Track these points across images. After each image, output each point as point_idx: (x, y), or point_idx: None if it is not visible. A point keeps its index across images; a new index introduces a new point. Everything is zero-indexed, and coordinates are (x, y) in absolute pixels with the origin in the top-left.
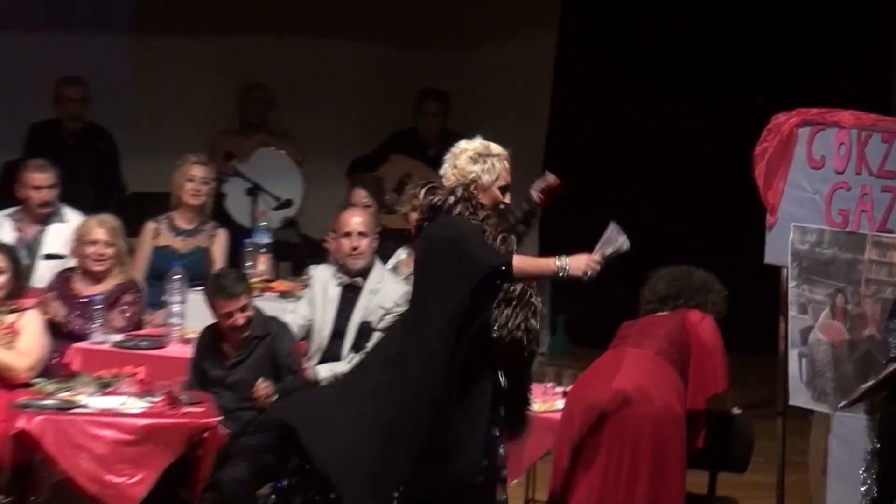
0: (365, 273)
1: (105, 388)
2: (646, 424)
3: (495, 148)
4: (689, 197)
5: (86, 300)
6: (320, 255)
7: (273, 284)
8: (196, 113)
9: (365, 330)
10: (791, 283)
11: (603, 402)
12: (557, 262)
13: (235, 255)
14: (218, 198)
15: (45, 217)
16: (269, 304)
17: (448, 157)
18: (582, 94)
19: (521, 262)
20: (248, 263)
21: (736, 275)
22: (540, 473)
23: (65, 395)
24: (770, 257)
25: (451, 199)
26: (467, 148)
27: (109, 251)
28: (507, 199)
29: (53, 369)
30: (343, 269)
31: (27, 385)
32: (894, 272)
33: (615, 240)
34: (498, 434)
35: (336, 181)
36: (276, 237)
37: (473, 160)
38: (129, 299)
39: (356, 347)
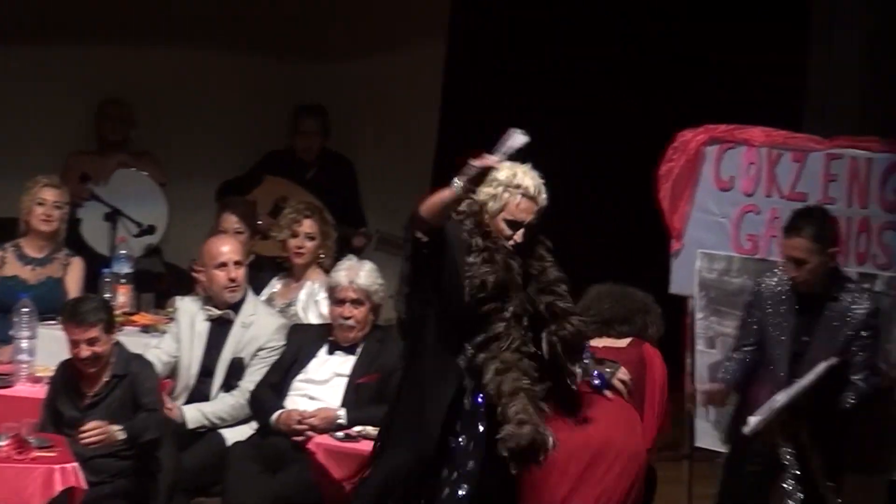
0: (236, 306)
1: None
2: (617, 475)
3: (521, 179)
4: (586, 220)
5: None
6: (187, 286)
7: (134, 317)
8: (48, 131)
9: (236, 366)
10: (698, 315)
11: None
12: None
13: (93, 286)
14: (73, 223)
15: None
16: (130, 339)
17: (537, 175)
18: (472, 109)
19: (423, 201)
20: (106, 295)
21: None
22: None
23: None
24: (675, 287)
25: (465, 212)
26: (501, 170)
27: None
28: (514, 236)
29: None
30: (212, 301)
31: None
32: None
33: (510, 137)
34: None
35: (204, 205)
36: (137, 266)
37: (489, 183)
38: None
39: (226, 386)
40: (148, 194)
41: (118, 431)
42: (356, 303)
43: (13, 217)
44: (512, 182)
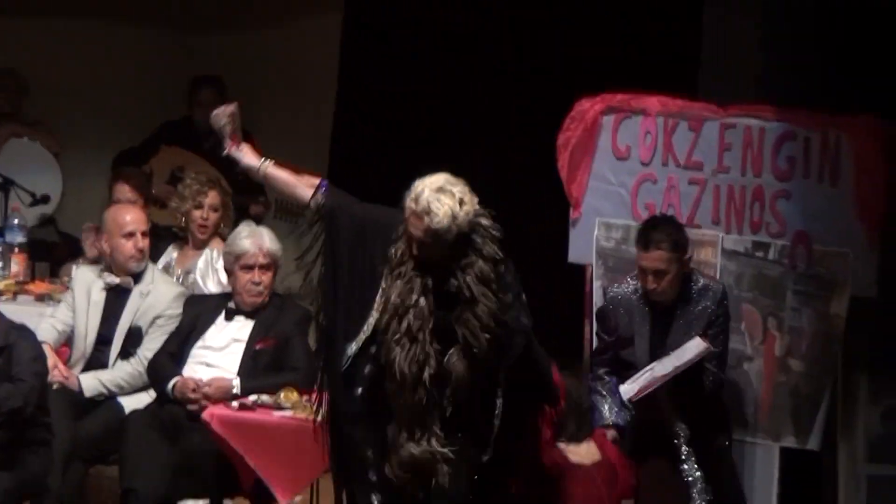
0: (137, 275)
1: None
2: None
3: (417, 193)
4: (487, 190)
5: None
6: (80, 255)
7: (29, 286)
8: None
9: (134, 334)
10: (595, 283)
11: None
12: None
13: None
14: None
15: None
16: (24, 308)
17: (443, 198)
18: (370, 78)
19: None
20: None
21: (538, 274)
22: (324, 488)
23: None
24: (574, 255)
25: None
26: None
27: None
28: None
29: None
30: (110, 269)
31: None
32: (703, 269)
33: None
34: None
35: (99, 175)
36: (31, 235)
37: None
38: None
39: (123, 353)
40: (41, 164)
41: None
42: (265, 268)
43: None
44: (414, 192)
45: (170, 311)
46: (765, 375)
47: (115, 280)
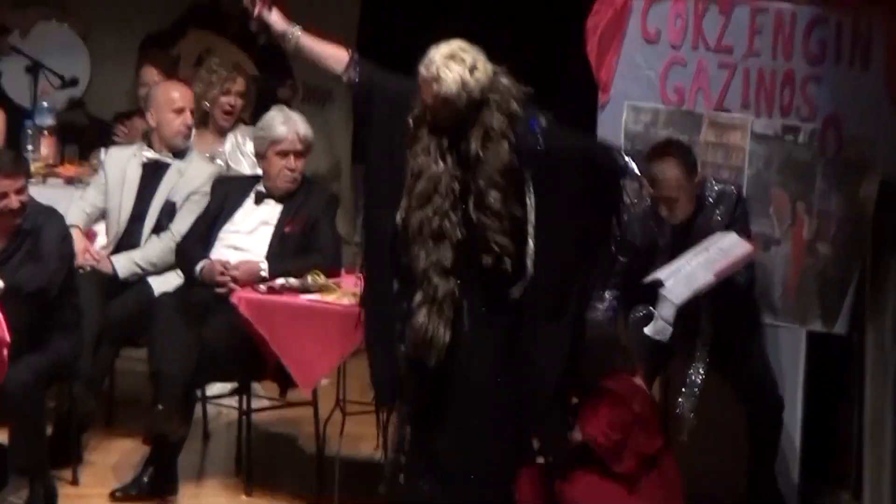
0: (178, 152)
1: None
2: None
3: (430, 57)
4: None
5: None
6: (110, 138)
7: (58, 169)
8: None
9: (168, 209)
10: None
11: None
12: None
13: (14, 139)
14: None
15: None
16: (54, 191)
17: (452, 65)
18: None
19: None
20: (29, 147)
21: None
22: (350, 371)
23: None
24: (603, 134)
25: None
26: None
27: None
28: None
29: None
30: (150, 145)
31: None
32: (731, 156)
33: None
34: None
35: (127, 58)
36: (60, 118)
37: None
38: None
39: (157, 228)
40: (70, 47)
41: None
42: (299, 154)
43: None
44: (427, 59)
45: (205, 188)
46: (792, 259)
47: (155, 155)
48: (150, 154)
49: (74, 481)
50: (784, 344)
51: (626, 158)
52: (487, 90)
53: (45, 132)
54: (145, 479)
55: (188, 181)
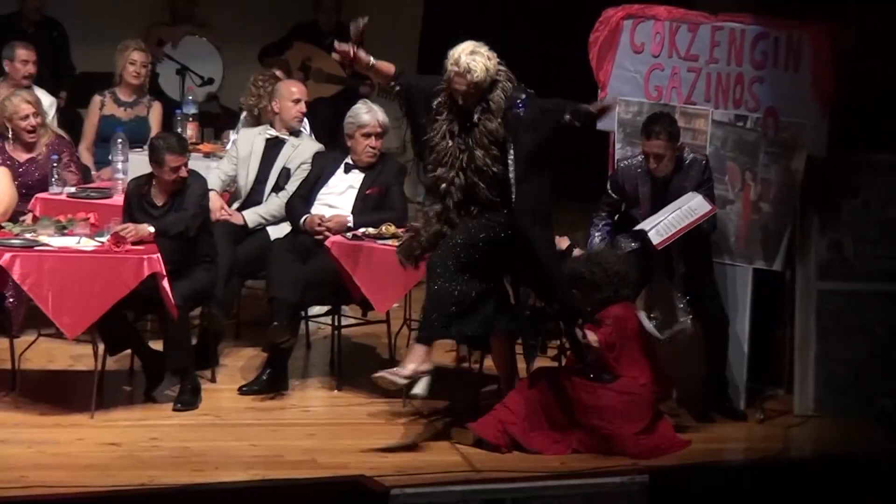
0: (293, 133)
1: (63, 229)
2: None
3: (456, 57)
4: (538, 77)
5: (24, 165)
6: (236, 123)
7: (199, 146)
8: (133, 5)
9: (284, 174)
10: (617, 146)
11: None
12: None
13: (168, 123)
14: (153, 76)
15: (24, 89)
16: (196, 163)
17: (476, 58)
18: None
19: None
20: (178, 129)
21: (574, 139)
22: (415, 298)
23: (29, 235)
24: (601, 125)
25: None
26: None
27: (38, 120)
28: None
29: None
30: (272, 126)
31: None
32: (697, 136)
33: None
34: None
35: (249, 63)
36: (200, 108)
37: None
38: (66, 153)
39: (276, 188)
40: (208, 55)
41: (147, 227)
42: (378, 135)
43: (108, 71)
44: (453, 58)
45: (309, 160)
46: (742, 215)
47: (276, 133)
48: (272, 132)
49: (213, 379)
50: (736, 278)
51: (577, 106)
52: (494, 74)
53: (190, 119)
54: (264, 378)
55: (300, 154)
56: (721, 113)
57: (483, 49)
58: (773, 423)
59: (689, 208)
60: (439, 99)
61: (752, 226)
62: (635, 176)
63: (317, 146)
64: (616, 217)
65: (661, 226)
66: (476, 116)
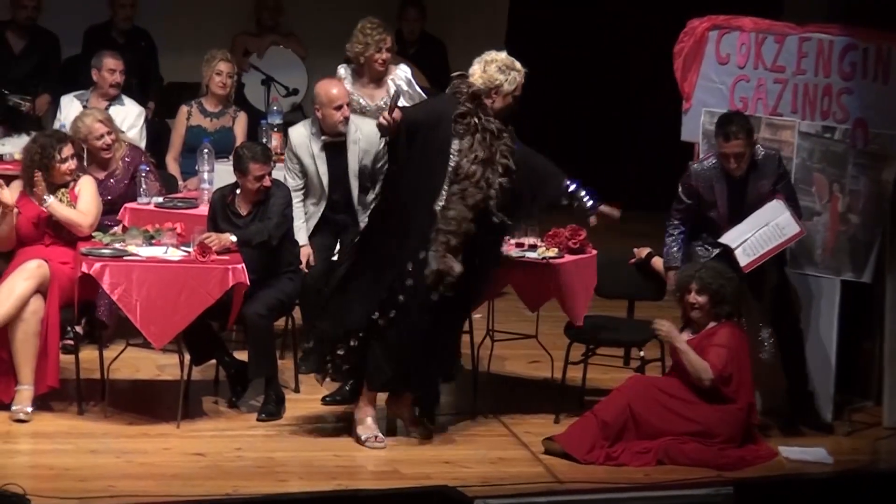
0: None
1: (150, 239)
2: None
3: (518, 64)
4: (623, 89)
5: (102, 182)
6: None
7: (282, 156)
8: (220, 15)
9: (364, 173)
10: (702, 157)
11: None
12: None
13: (253, 133)
14: (239, 87)
15: (112, 98)
16: (279, 173)
17: (479, 61)
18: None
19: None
20: (263, 139)
21: (658, 149)
22: (497, 308)
23: (118, 244)
24: (686, 135)
25: (467, 91)
26: (497, 58)
27: (112, 137)
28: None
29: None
30: (322, 132)
31: (88, 238)
32: (783, 147)
33: (394, 97)
34: None
35: (334, 72)
36: (285, 119)
37: (501, 70)
38: (145, 166)
39: (362, 188)
40: (293, 65)
41: (229, 236)
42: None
43: (195, 81)
44: (518, 67)
45: (379, 146)
46: (830, 226)
47: (329, 139)
48: (324, 138)
49: (296, 389)
50: (824, 290)
51: (567, 182)
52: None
53: (275, 129)
54: (347, 388)
55: (368, 147)
56: (808, 124)
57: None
58: (862, 436)
59: (776, 226)
60: (467, 116)
61: (839, 237)
62: (710, 178)
63: (374, 126)
64: (690, 224)
65: (749, 245)
66: (502, 141)
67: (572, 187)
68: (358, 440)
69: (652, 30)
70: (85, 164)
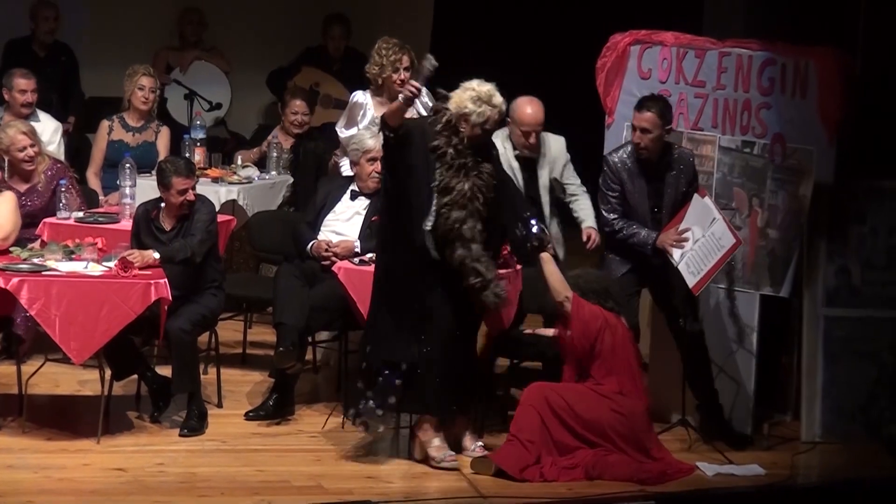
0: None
1: (70, 254)
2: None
3: (496, 99)
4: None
5: (24, 195)
6: (246, 148)
7: (208, 171)
8: (141, 30)
9: (554, 186)
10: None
11: None
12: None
13: (176, 148)
14: (161, 101)
15: (26, 117)
16: (203, 188)
17: (462, 86)
18: (459, 14)
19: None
20: (186, 154)
21: (582, 163)
22: None
23: (37, 260)
24: (608, 149)
25: (443, 116)
26: (476, 89)
27: (35, 150)
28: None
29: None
30: (514, 147)
31: (4, 253)
32: (704, 161)
33: (424, 65)
34: None
35: (258, 88)
36: (208, 133)
37: (473, 101)
38: (64, 180)
39: (555, 202)
40: (216, 80)
41: (152, 253)
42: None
43: (117, 96)
44: (494, 102)
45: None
46: (749, 240)
47: (358, 190)
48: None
49: (219, 405)
50: (743, 304)
51: (533, 222)
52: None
53: (198, 143)
54: (270, 403)
55: (553, 161)
56: (728, 139)
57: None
58: (780, 449)
59: (713, 237)
60: (441, 140)
61: (759, 252)
62: (628, 170)
63: (554, 137)
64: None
65: (691, 260)
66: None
67: (534, 227)
68: (430, 461)
69: (577, 46)
70: (6, 175)
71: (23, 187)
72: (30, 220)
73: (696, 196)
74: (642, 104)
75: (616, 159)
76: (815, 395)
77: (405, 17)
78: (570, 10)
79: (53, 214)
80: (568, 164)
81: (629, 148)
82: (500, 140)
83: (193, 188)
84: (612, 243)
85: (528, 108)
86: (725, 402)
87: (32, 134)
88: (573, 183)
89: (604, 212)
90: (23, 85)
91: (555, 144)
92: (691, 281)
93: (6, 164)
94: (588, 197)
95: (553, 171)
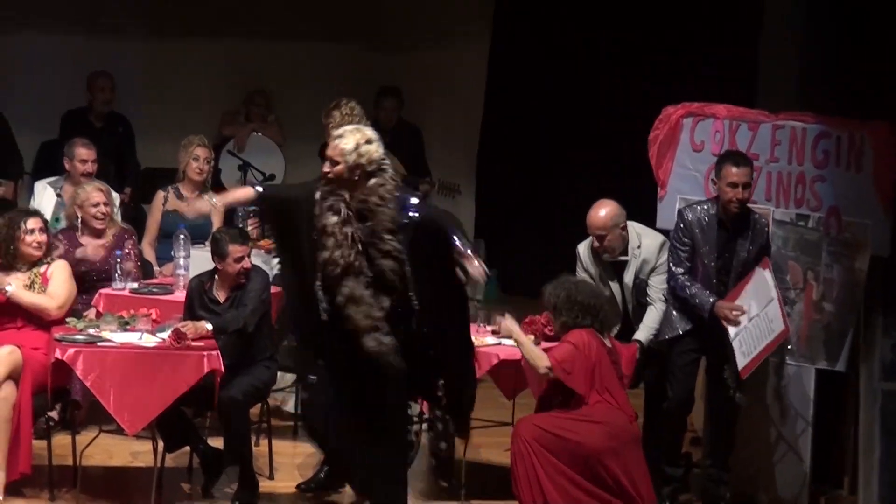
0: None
1: (125, 325)
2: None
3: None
4: (598, 176)
5: (91, 250)
6: None
7: (261, 243)
8: (198, 100)
9: (641, 287)
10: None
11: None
12: None
13: (230, 219)
14: (215, 172)
15: None
16: (256, 259)
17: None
18: (512, 88)
19: None
20: (240, 225)
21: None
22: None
23: (93, 330)
24: (661, 222)
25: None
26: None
27: (108, 209)
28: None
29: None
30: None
31: (61, 323)
32: None
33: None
34: None
35: (310, 159)
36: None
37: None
38: (130, 243)
39: (639, 304)
40: (270, 151)
41: (205, 325)
42: None
43: (172, 167)
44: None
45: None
46: (804, 314)
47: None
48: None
49: (270, 476)
50: (799, 379)
51: (457, 239)
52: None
53: (251, 215)
54: (322, 476)
55: (646, 259)
56: (782, 212)
57: (369, 132)
58: None
59: (766, 317)
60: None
61: (813, 326)
62: (702, 222)
63: (651, 234)
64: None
65: (744, 339)
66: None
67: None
68: None
69: (629, 118)
70: (79, 232)
71: (92, 242)
72: (96, 276)
73: (758, 269)
74: (737, 160)
75: (691, 216)
76: (873, 470)
77: (459, 86)
78: (622, 81)
79: (108, 276)
80: (659, 266)
81: (706, 205)
82: (584, 248)
83: (249, 255)
84: (675, 298)
85: (593, 210)
86: (782, 476)
87: (108, 193)
88: (655, 287)
89: (671, 265)
90: (84, 155)
91: (649, 245)
92: (742, 362)
93: (80, 221)
94: (662, 310)
95: (641, 272)
